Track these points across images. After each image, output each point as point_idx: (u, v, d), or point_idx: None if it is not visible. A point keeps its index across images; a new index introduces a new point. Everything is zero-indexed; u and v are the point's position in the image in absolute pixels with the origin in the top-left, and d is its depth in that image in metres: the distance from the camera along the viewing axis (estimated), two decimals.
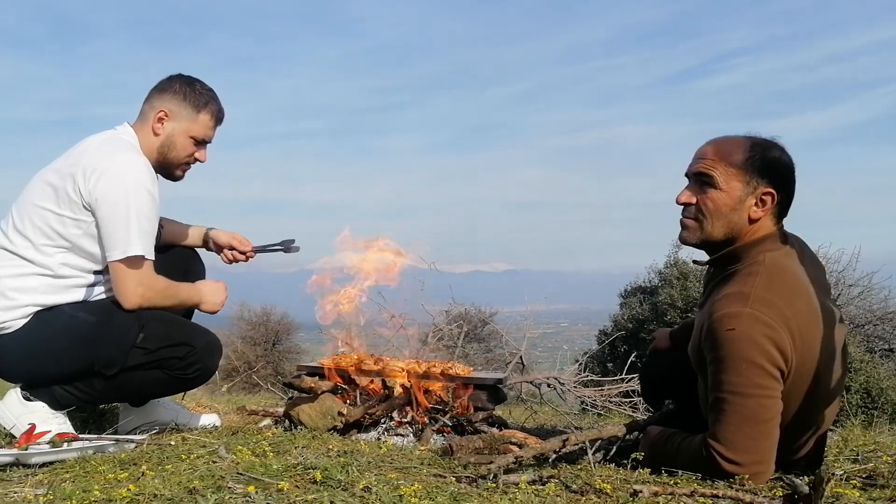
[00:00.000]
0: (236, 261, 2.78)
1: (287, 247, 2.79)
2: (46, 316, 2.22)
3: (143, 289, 2.22)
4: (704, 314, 1.88)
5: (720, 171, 1.87)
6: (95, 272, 2.30)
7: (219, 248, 2.77)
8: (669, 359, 2.43)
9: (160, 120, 2.34)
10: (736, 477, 1.73)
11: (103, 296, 2.34)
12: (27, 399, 2.25)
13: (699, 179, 1.91)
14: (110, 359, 2.23)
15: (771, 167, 1.87)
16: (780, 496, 1.61)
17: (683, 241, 1.98)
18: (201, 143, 2.41)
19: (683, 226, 1.96)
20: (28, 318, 2.21)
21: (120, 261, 2.19)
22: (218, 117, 2.43)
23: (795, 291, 1.83)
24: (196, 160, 2.44)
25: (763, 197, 1.87)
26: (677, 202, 1.95)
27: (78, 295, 2.28)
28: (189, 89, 2.37)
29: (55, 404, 2.27)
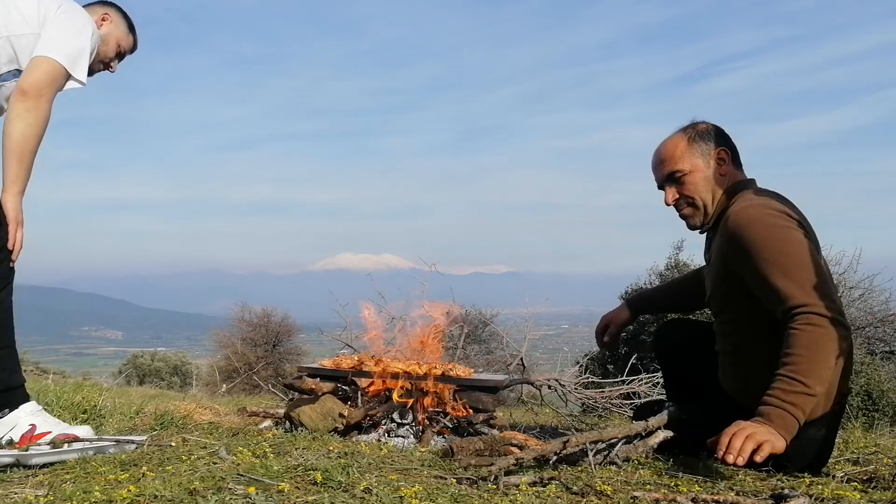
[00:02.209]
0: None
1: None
2: None
3: (50, 94, 2.24)
4: (719, 240, 2.13)
5: (678, 162, 2.23)
6: None
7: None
8: (684, 328, 2.72)
9: (104, 20, 2.64)
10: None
11: None
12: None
13: (671, 179, 2.24)
14: None
15: (707, 134, 2.25)
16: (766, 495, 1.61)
17: (693, 227, 2.27)
18: (121, 56, 2.72)
19: (685, 216, 2.27)
20: None
21: (54, 59, 2.24)
22: (136, 45, 2.78)
23: (791, 203, 2.11)
24: (110, 67, 2.70)
25: (719, 156, 2.22)
26: (667, 204, 2.27)
27: None
28: (125, 13, 2.72)
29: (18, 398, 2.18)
